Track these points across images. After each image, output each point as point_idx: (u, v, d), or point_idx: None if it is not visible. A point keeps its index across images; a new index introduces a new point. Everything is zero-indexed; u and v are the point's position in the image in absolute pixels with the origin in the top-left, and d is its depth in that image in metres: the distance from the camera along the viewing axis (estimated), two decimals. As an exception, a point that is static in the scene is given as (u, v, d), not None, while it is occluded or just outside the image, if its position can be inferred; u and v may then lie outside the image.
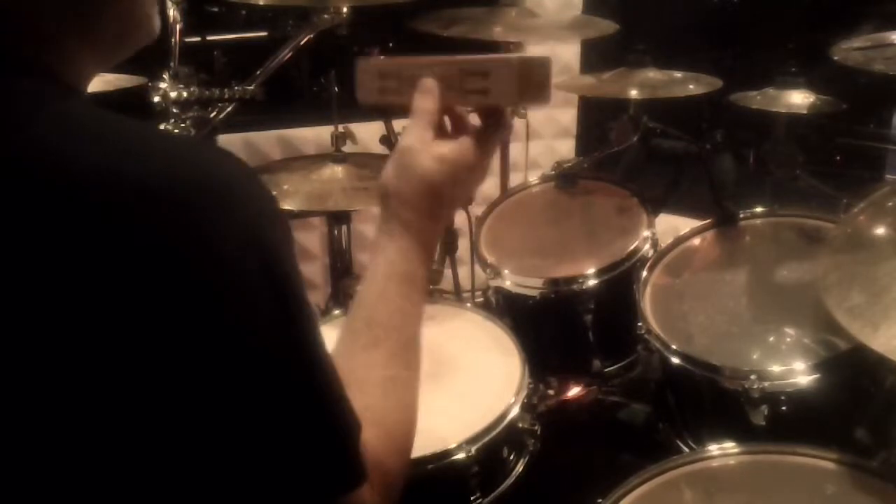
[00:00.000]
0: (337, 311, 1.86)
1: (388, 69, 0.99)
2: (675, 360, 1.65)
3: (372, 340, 0.86)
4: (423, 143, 0.90)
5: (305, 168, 2.10)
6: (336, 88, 2.15)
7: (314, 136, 2.65)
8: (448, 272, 2.25)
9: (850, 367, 1.51)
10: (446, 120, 0.95)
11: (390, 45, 2.48)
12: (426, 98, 0.91)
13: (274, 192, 1.91)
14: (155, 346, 0.60)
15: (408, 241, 0.90)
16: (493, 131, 0.93)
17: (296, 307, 0.67)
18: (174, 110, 1.74)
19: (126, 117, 0.66)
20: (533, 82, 0.89)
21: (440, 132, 0.92)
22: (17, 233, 0.59)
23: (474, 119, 0.96)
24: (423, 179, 0.89)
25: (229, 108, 1.87)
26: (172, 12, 1.72)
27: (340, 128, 2.11)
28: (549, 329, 2.02)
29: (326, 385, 0.70)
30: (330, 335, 0.78)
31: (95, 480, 0.62)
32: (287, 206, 1.94)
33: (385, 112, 0.99)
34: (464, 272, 2.60)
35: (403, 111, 0.94)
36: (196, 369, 0.62)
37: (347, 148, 2.12)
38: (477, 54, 0.94)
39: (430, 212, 0.91)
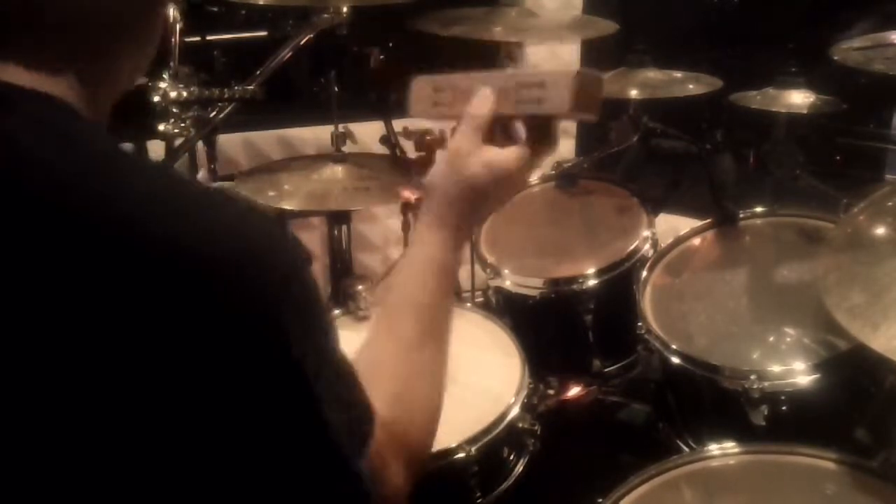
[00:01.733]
0: (337, 311, 1.86)
1: (443, 83, 1.04)
2: (675, 360, 1.65)
3: (407, 325, 0.91)
4: (473, 147, 0.94)
5: (305, 168, 2.10)
6: (336, 88, 2.15)
7: (314, 136, 2.64)
8: (448, 272, 2.25)
9: (850, 367, 1.51)
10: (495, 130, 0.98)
11: (390, 45, 2.48)
12: (480, 104, 0.96)
13: (273, 193, 1.94)
14: (175, 386, 0.62)
15: (445, 234, 0.95)
16: (540, 145, 0.97)
17: (300, 352, 0.68)
18: (174, 110, 1.74)
19: (160, 165, 0.67)
20: (587, 94, 0.93)
21: (488, 139, 0.96)
22: (55, 283, 0.60)
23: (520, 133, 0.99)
24: (468, 182, 0.94)
25: (229, 108, 1.87)
26: (172, 12, 1.72)
27: (340, 127, 2.11)
28: (549, 329, 2.02)
29: (333, 408, 0.71)
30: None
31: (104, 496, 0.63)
32: (287, 206, 1.94)
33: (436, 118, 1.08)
34: (464, 272, 2.59)
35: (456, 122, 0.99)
36: (213, 404, 0.64)
37: (347, 148, 2.12)
38: (529, 70, 0.98)
39: (469, 212, 0.96)
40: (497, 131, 0.97)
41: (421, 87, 1.06)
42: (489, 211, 1.02)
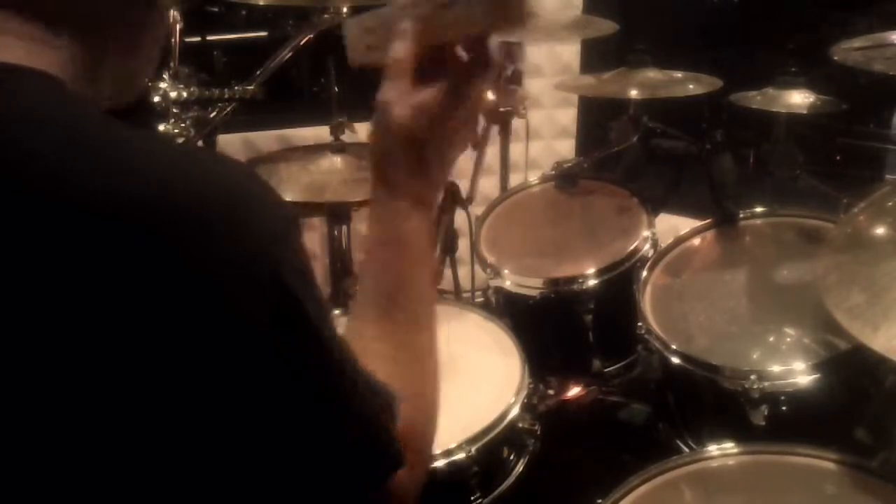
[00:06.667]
0: (337, 311, 1.86)
1: (372, 23, 0.94)
2: (675, 360, 1.65)
3: (380, 311, 0.84)
4: (399, 94, 0.84)
5: (304, 159, 2.09)
6: (336, 88, 2.15)
7: (314, 135, 2.64)
8: (448, 272, 2.25)
9: (850, 367, 1.51)
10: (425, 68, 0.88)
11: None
12: (400, 44, 0.85)
13: (271, 184, 1.93)
14: (174, 359, 0.60)
15: (400, 202, 0.85)
16: (474, 70, 0.86)
17: (310, 310, 0.66)
18: (174, 110, 1.74)
19: (129, 126, 0.65)
20: (507, 3, 0.84)
21: (423, 79, 0.85)
22: (21, 253, 0.59)
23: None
24: (403, 133, 0.84)
25: (229, 108, 1.87)
26: (172, 12, 1.72)
27: (339, 118, 2.09)
28: (549, 329, 2.02)
29: (348, 378, 0.69)
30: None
31: (121, 487, 0.62)
32: (286, 197, 1.92)
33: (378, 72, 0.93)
34: (464, 272, 2.59)
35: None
36: (221, 381, 0.62)
37: (347, 138, 2.11)
38: None
39: (418, 166, 0.85)
40: (430, 65, 0.86)
41: (353, 31, 0.95)
42: (444, 158, 0.88)
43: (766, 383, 1.51)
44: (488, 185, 2.60)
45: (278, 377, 0.64)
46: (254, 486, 0.65)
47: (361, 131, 2.24)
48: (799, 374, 1.52)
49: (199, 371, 0.61)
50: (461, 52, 0.87)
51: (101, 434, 0.60)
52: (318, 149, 2.13)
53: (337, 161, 2.06)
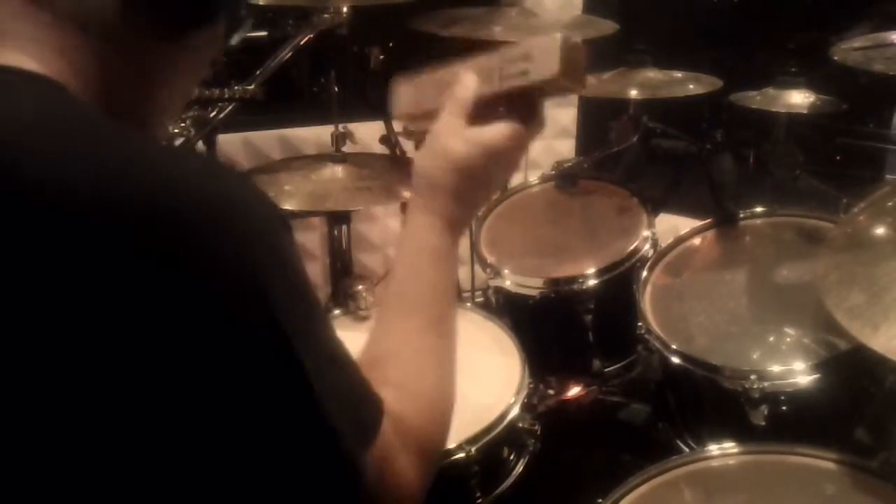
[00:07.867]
0: (337, 311, 1.86)
1: (426, 79, 1.01)
2: (675, 360, 1.65)
3: (405, 313, 0.88)
4: (456, 128, 0.91)
5: (305, 168, 2.10)
6: (336, 88, 2.15)
7: (314, 136, 2.65)
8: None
9: (850, 367, 1.51)
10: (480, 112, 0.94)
11: (390, 45, 2.48)
12: (461, 87, 0.92)
13: (273, 193, 1.94)
14: (154, 360, 0.61)
15: (434, 219, 0.91)
16: (527, 119, 0.92)
17: (284, 314, 0.66)
18: (174, 110, 1.73)
19: (126, 129, 0.66)
20: (573, 61, 0.89)
21: (473, 121, 0.92)
22: (11, 253, 0.59)
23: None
24: (451, 160, 0.90)
25: (229, 108, 1.87)
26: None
27: (340, 127, 2.10)
28: (549, 329, 2.02)
29: (322, 386, 0.69)
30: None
31: (95, 486, 0.63)
32: (287, 206, 1.94)
33: (421, 123, 1.00)
34: (464, 272, 2.60)
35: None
36: (198, 384, 0.63)
37: (347, 148, 2.12)
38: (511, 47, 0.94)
39: (460, 193, 0.91)
40: (482, 114, 0.93)
41: (402, 87, 1.03)
42: (483, 193, 0.96)
43: (766, 383, 1.51)
44: (488, 185, 2.60)
45: (247, 379, 0.65)
46: (216, 487, 0.66)
47: (361, 133, 2.24)
48: (799, 374, 1.52)
49: (175, 367, 0.62)
50: (517, 105, 0.93)
51: (88, 427, 0.61)
52: (319, 158, 2.15)
53: (338, 170, 2.06)
